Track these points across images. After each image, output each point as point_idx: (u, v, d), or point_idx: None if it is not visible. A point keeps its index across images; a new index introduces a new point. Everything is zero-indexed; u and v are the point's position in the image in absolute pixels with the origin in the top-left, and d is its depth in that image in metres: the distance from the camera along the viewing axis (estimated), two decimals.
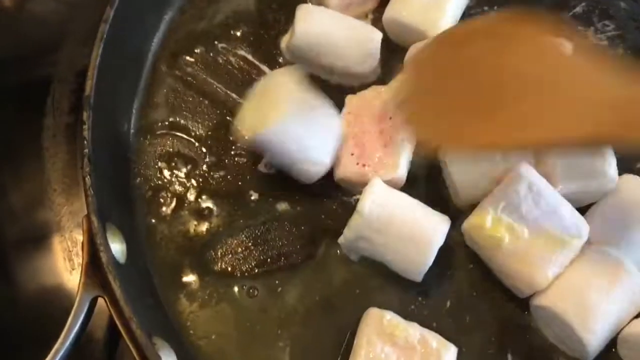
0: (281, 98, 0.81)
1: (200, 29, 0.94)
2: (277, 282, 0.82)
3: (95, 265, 0.73)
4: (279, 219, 0.85)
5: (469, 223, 0.80)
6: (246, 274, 0.82)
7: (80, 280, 0.72)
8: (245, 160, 0.87)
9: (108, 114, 0.82)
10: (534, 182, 0.79)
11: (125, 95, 0.88)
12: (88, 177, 0.74)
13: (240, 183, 0.86)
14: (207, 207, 0.85)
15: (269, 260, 0.83)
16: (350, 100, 0.87)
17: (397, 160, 0.82)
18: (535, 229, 0.78)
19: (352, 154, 0.83)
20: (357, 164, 0.83)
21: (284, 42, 0.92)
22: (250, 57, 0.92)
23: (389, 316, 0.77)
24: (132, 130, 0.89)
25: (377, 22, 0.93)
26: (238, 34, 0.94)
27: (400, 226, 0.78)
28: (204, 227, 0.84)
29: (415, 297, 0.82)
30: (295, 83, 0.83)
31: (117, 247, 0.77)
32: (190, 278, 0.82)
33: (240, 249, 0.83)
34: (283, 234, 0.84)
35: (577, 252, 0.79)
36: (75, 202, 0.87)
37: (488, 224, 0.79)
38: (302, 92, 0.83)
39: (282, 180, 0.85)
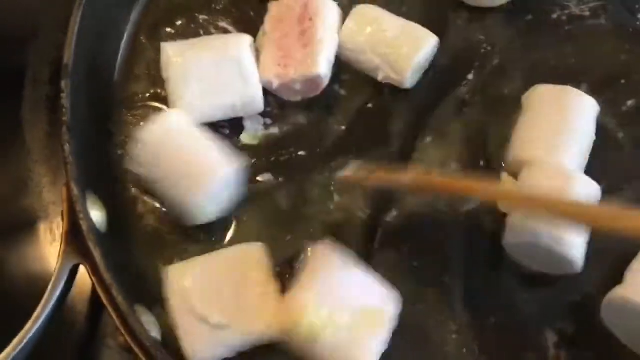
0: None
1: (180, 0, 0.93)
2: None
3: (75, 233, 0.72)
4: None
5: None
6: None
7: (60, 248, 0.72)
8: (227, 131, 0.87)
9: (87, 83, 0.81)
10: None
11: (105, 65, 0.87)
12: (67, 144, 0.74)
13: None
14: None
15: None
16: (272, 6, 0.89)
17: (316, 58, 0.84)
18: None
19: (275, 57, 0.85)
20: (279, 65, 0.85)
21: None
22: (231, 28, 0.92)
23: None
24: (112, 102, 0.88)
25: None
26: (219, 6, 0.93)
27: (176, 163, 0.77)
28: None
29: None
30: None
31: (98, 216, 0.77)
32: (171, 248, 0.82)
33: None
34: None
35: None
36: (57, 173, 0.86)
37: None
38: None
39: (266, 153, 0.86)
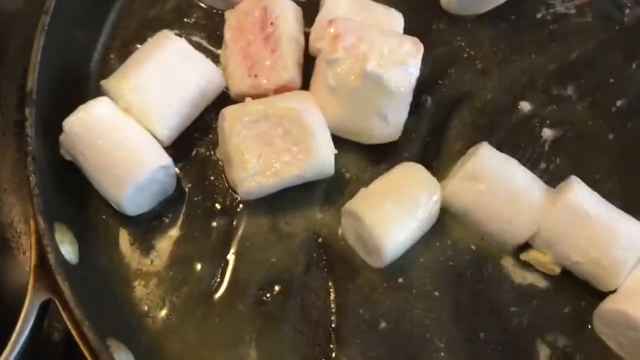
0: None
1: (152, 15, 0.91)
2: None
3: (45, 267, 0.70)
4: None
5: None
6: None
7: (29, 283, 0.70)
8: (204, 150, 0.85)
9: (53, 109, 0.78)
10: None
11: (72, 89, 0.84)
12: (32, 175, 0.72)
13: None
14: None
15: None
16: (230, 15, 0.86)
17: (286, 62, 0.82)
18: None
19: (243, 68, 0.83)
20: (249, 75, 0.82)
21: None
22: (204, 43, 0.89)
23: None
24: None
25: None
26: (191, 20, 0.90)
27: (102, 154, 0.76)
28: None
29: None
30: None
31: (68, 248, 0.74)
32: (148, 272, 0.80)
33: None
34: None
35: None
36: (27, 202, 0.83)
37: None
38: None
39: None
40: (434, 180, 0.80)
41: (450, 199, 0.80)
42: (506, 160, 0.81)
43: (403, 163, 0.82)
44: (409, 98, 0.81)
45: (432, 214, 0.79)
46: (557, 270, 0.80)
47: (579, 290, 0.79)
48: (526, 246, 0.81)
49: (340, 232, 0.82)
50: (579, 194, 0.78)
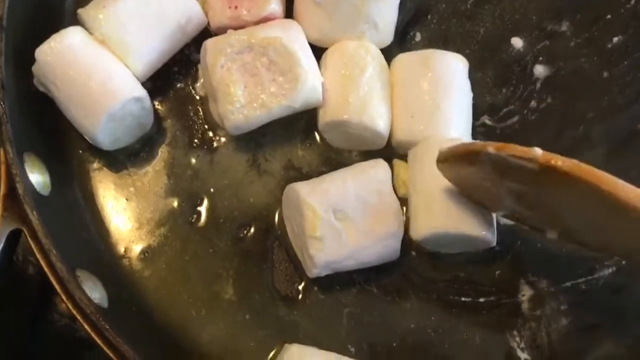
0: None
1: None
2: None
3: (14, 197, 0.69)
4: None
5: None
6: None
7: None
8: (182, 84, 0.82)
9: (27, 40, 0.76)
10: None
11: (47, 19, 0.80)
12: (1, 103, 0.70)
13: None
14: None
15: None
16: None
17: None
18: None
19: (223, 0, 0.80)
20: (230, 7, 0.80)
21: None
22: None
23: None
24: None
25: None
26: None
27: (75, 85, 0.74)
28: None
29: None
30: None
31: (39, 179, 0.73)
32: (124, 209, 0.79)
33: None
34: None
35: None
36: None
37: None
38: None
39: None
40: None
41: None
42: None
43: None
44: (397, 0, 0.79)
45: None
46: None
47: None
48: None
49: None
50: None
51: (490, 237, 0.73)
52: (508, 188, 0.67)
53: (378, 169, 0.76)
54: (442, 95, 0.77)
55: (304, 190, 0.74)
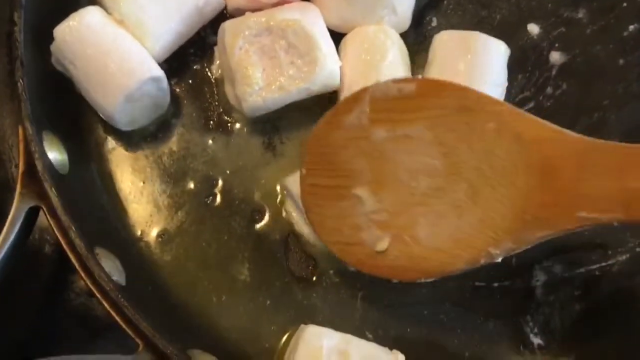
0: None
1: None
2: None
3: (32, 174, 0.69)
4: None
5: None
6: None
7: (17, 190, 0.69)
8: (197, 66, 0.82)
9: (46, 19, 0.76)
10: None
11: None
12: (20, 80, 0.70)
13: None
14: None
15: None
16: None
17: None
18: None
19: None
20: None
21: None
22: None
23: None
24: None
25: None
26: None
27: (93, 64, 0.74)
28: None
29: None
30: None
31: (57, 157, 0.73)
32: (141, 191, 0.79)
33: None
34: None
35: None
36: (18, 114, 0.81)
37: None
38: None
39: None
40: None
41: None
42: None
43: None
44: None
45: None
46: None
47: None
48: None
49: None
50: None
51: None
52: (367, 144, 0.70)
53: None
54: (477, 80, 0.76)
55: None
